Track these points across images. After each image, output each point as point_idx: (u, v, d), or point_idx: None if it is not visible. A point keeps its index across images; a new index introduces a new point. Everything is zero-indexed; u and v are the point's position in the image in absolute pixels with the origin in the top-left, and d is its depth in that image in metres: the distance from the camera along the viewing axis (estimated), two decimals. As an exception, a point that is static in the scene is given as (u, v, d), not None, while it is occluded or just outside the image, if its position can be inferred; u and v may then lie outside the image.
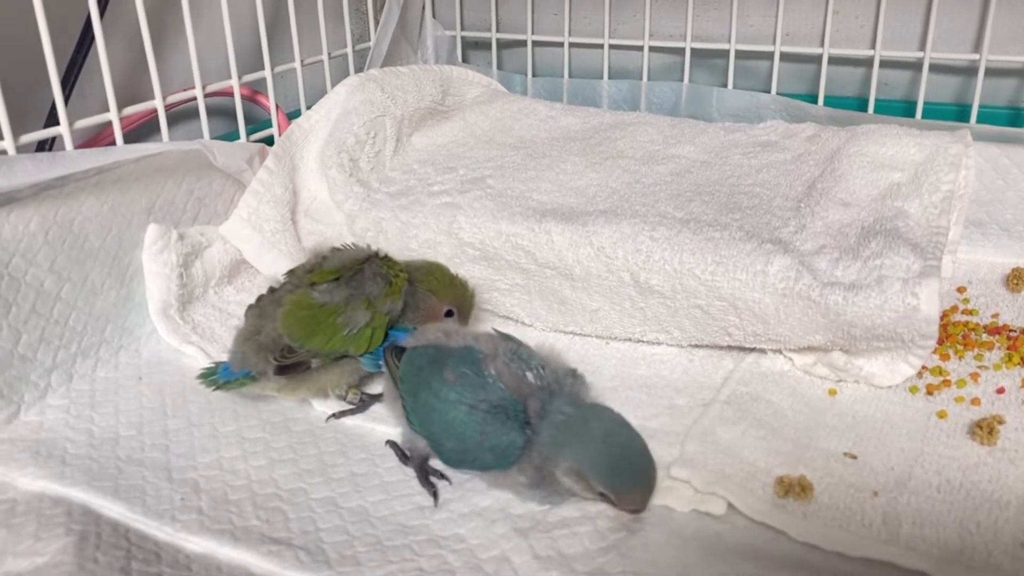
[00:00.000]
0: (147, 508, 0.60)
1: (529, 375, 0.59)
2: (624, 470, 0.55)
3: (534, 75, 1.24)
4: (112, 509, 0.59)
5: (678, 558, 0.54)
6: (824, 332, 0.71)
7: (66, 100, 0.77)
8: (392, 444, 0.67)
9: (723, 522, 0.58)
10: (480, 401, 0.58)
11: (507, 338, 0.63)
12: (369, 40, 1.16)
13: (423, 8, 1.25)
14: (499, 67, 1.26)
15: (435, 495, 0.61)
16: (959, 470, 0.61)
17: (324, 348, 0.68)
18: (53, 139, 0.76)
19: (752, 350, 0.77)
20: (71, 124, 0.75)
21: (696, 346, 0.79)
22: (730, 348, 0.78)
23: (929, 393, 0.71)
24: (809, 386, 0.73)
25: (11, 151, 0.70)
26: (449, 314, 0.74)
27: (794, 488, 0.59)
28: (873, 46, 1.04)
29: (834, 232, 0.77)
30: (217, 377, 0.70)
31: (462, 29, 1.27)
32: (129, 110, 0.81)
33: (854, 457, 0.63)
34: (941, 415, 0.68)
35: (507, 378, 0.59)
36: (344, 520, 0.59)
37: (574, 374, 0.61)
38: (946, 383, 0.72)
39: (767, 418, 0.67)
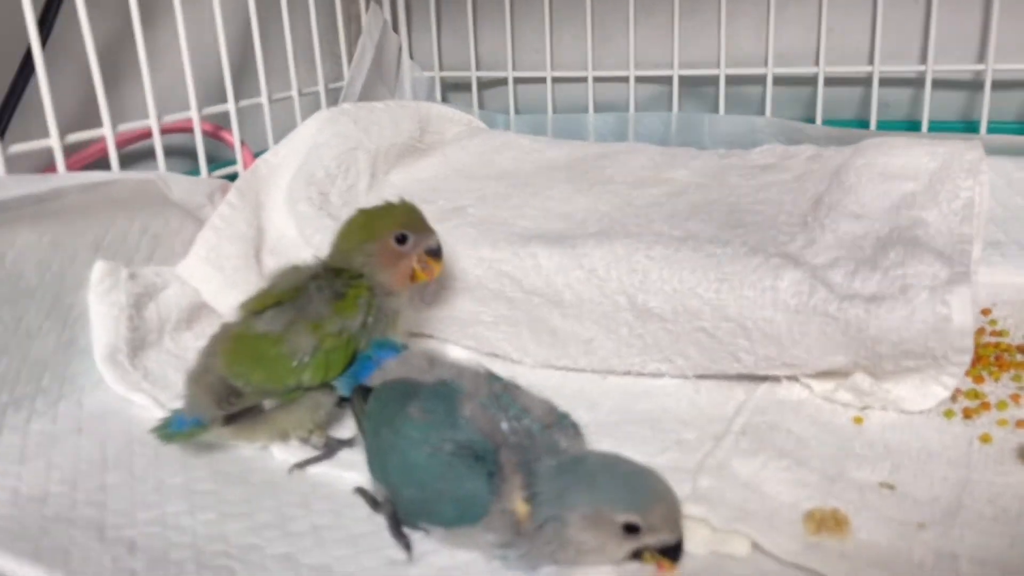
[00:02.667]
0: (70, 571, 0.51)
1: (504, 424, 0.51)
2: (645, 489, 0.47)
3: (516, 113, 1.19)
4: (28, 574, 0.50)
5: (699, 605, 0.46)
6: (845, 351, 0.63)
7: (2, 132, 0.70)
8: (361, 491, 0.58)
9: (748, 565, 0.50)
10: (445, 442, 0.50)
11: (495, 379, 0.56)
12: (343, 80, 1.11)
13: (400, 49, 1.21)
14: (480, 107, 1.21)
15: (408, 547, 0.52)
16: (1014, 498, 0.53)
17: (271, 384, 0.60)
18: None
19: (765, 379, 0.69)
20: (5, 151, 0.69)
21: (702, 377, 0.71)
22: (740, 378, 0.70)
23: (967, 417, 0.63)
24: (832, 414, 0.65)
25: (-66, 175, 0.64)
26: (403, 240, 0.65)
27: (827, 522, 0.51)
28: (871, 63, 0.99)
29: (847, 244, 0.70)
30: (169, 429, 0.62)
31: (441, 69, 1.23)
32: (73, 136, 0.74)
33: (892, 487, 0.55)
34: (984, 439, 0.60)
35: (483, 423, 0.51)
36: (302, 578, 0.50)
37: (562, 423, 0.53)
38: (985, 406, 0.64)
39: (789, 448, 0.59)
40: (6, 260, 0.66)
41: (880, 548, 0.49)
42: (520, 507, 0.48)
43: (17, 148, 0.70)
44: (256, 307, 0.63)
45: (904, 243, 0.67)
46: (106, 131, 0.77)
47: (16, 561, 0.51)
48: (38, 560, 0.51)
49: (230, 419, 0.60)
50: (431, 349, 0.61)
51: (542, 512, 0.48)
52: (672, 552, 0.48)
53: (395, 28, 1.21)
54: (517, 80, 1.19)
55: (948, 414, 0.63)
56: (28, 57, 0.79)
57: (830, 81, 1.02)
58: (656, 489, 0.48)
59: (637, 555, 0.48)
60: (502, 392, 0.54)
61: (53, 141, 0.72)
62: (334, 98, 1.09)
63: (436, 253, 0.68)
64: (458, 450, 0.50)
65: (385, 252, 0.65)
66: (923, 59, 0.98)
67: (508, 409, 0.52)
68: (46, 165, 0.79)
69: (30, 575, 0.50)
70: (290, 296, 0.63)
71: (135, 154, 0.94)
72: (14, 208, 0.66)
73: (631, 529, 0.47)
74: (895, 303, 0.61)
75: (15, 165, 0.71)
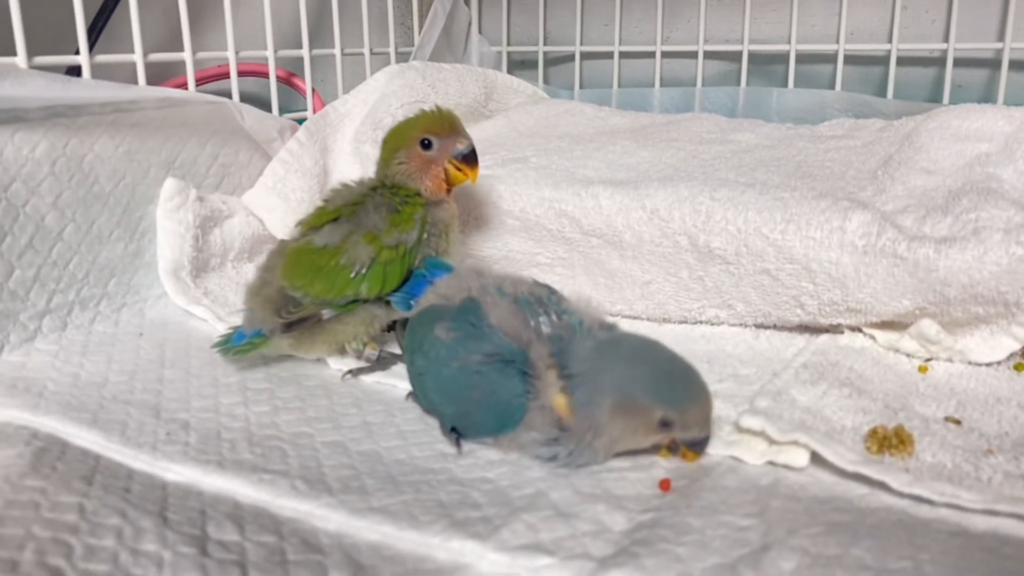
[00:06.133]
0: (126, 439, 0.51)
1: (538, 319, 0.51)
2: (682, 385, 0.47)
3: (581, 88, 1.19)
4: (85, 438, 0.51)
5: (755, 502, 0.44)
6: (913, 295, 0.62)
7: (92, 45, 0.73)
8: (413, 395, 0.58)
9: (806, 475, 0.48)
10: (472, 354, 0.50)
11: (542, 285, 0.56)
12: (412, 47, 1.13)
13: (469, 24, 1.22)
14: (545, 82, 1.22)
15: (458, 442, 0.52)
16: (1092, 437, 0.51)
17: (329, 294, 0.60)
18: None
19: (826, 330, 0.67)
20: (92, 61, 0.71)
21: (761, 326, 0.70)
22: (801, 329, 0.68)
23: (1039, 370, 0.61)
24: (895, 361, 0.63)
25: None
26: (428, 144, 0.64)
27: (891, 440, 0.49)
28: (945, 41, 0.97)
29: (918, 195, 0.69)
30: (231, 343, 0.62)
31: (508, 44, 1.24)
32: (156, 56, 0.76)
33: (958, 422, 0.53)
34: (1058, 388, 0.57)
35: (509, 325, 0.51)
36: (352, 459, 0.50)
37: (610, 328, 0.53)
38: (1058, 362, 0.62)
39: (851, 379, 0.58)
40: (83, 162, 0.68)
41: (945, 469, 0.48)
42: (558, 401, 0.48)
43: (102, 58, 0.72)
44: (314, 223, 0.64)
45: (978, 192, 0.66)
46: (186, 56, 0.79)
47: (76, 427, 0.52)
48: (95, 427, 0.52)
49: (288, 328, 0.61)
50: (480, 264, 0.60)
51: (579, 396, 0.47)
52: (698, 445, 0.48)
53: (466, 2, 1.22)
54: (584, 55, 1.19)
55: (1019, 367, 0.61)
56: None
57: (902, 60, 1.00)
58: (692, 387, 0.48)
59: (655, 447, 0.49)
60: (547, 294, 0.54)
61: (136, 57, 0.74)
62: (403, 61, 1.11)
63: (468, 157, 0.66)
64: (486, 359, 0.50)
65: (413, 158, 0.65)
66: (1000, 37, 0.96)
67: (549, 306, 0.52)
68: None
69: (88, 439, 0.51)
70: (348, 211, 0.63)
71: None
72: (96, 113, 0.68)
73: (665, 424, 0.47)
74: (967, 243, 0.59)
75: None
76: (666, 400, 0.46)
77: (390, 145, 0.66)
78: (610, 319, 0.54)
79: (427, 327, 0.54)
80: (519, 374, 0.49)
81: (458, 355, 0.51)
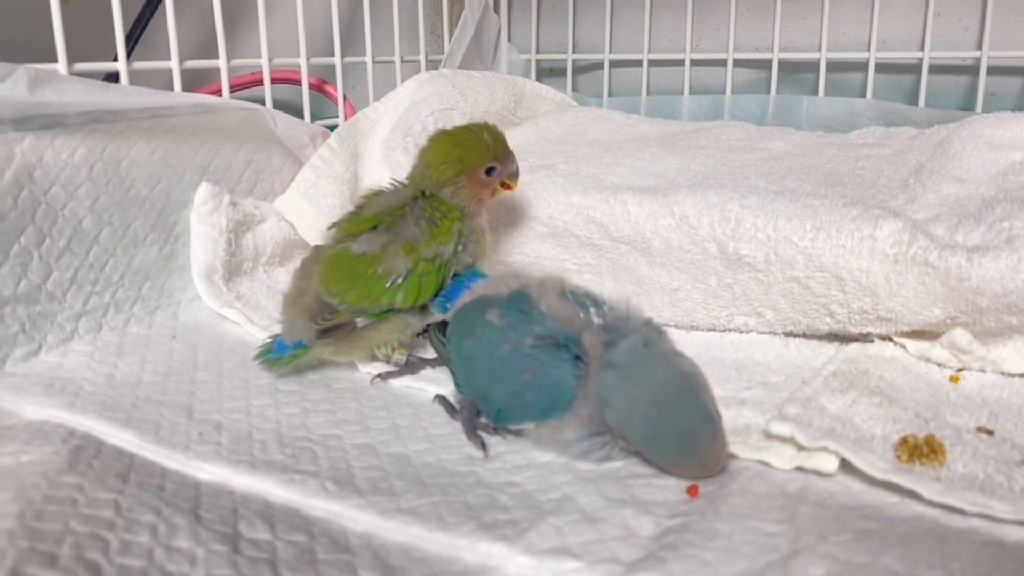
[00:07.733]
0: (160, 439, 0.52)
1: (585, 313, 0.52)
2: (668, 442, 0.47)
3: (610, 96, 1.19)
4: (120, 437, 0.52)
5: (784, 507, 0.44)
6: (944, 304, 0.61)
7: (129, 52, 0.74)
8: (440, 399, 0.59)
9: (835, 483, 0.48)
10: (526, 336, 0.51)
11: (577, 288, 0.56)
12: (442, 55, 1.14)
13: (499, 32, 1.23)
14: (574, 90, 1.22)
15: (483, 446, 0.52)
16: None
17: (365, 302, 0.61)
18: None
19: (856, 339, 0.67)
20: (130, 68, 0.73)
21: (791, 334, 0.69)
22: (831, 337, 0.68)
23: (1074, 381, 0.60)
24: (926, 370, 0.62)
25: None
26: (491, 172, 0.67)
27: (921, 449, 0.49)
28: (979, 48, 0.96)
29: (950, 203, 0.68)
30: (271, 354, 0.63)
31: (537, 52, 1.24)
32: (191, 63, 0.78)
33: (990, 433, 0.53)
34: (1094, 400, 0.57)
35: (560, 313, 0.52)
36: (381, 461, 0.51)
37: (649, 323, 0.53)
38: (1094, 373, 0.61)
39: (881, 388, 0.57)
40: (120, 167, 0.70)
41: (976, 479, 0.47)
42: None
43: (140, 65, 0.73)
44: (351, 230, 0.65)
45: (1011, 200, 0.65)
46: (221, 63, 0.80)
47: (111, 426, 0.53)
48: (129, 426, 0.53)
49: (324, 334, 0.61)
50: (516, 268, 0.61)
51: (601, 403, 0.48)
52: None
53: (496, 10, 1.23)
54: (613, 63, 1.19)
55: (1053, 378, 0.60)
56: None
57: (935, 68, 0.99)
58: (681, 446, 0.48)
59: None
60: (585, 294, 0.54)
61: (173, 64, 0.75)
62: (433, 69, 1.12)
63: (515, 175, 0.70)
64: (538, 341, 0.50)
65: (474, 184, 0.67)
66: (1036, 45, 0.95)
67: (589, 304, 0.52)
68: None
69: (123, 438, 0.52)
70: (387, 221, 0.64)
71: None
72: (134, 118, 0.70)
73: None
74: (1000, 252, 0.59)
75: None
76: (651, 454, 0.48)
77: (453, 170, 0.66)
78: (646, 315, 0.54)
79: (478, 314, 0.55)
80: (572, 358, 0.49)
81: (511, 338, 0.51)
